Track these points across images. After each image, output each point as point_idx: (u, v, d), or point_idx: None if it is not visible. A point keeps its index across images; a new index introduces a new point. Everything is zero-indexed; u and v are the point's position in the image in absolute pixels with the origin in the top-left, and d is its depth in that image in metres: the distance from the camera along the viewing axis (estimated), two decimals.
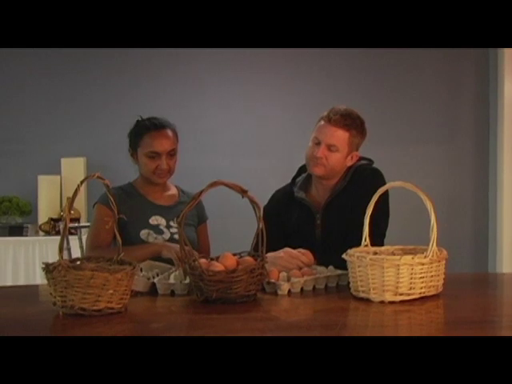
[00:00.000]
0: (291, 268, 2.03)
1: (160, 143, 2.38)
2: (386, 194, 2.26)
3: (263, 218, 2.40)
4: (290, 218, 2.39)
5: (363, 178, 2.29)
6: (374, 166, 2.40)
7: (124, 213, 2.25)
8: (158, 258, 2.21)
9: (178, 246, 2.06)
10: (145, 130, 2.40)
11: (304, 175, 2.44)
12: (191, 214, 2.42)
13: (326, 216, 2.33)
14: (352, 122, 2.28)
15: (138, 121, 2.46)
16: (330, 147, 2.27)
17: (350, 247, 1.91)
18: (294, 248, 2.14)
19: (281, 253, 2.08)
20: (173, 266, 2.12)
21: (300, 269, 2.05)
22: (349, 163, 2.33)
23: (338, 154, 2.28)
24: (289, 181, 2.49)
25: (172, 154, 2.41)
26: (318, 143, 2.29)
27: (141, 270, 2.02)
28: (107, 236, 2.28)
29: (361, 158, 2.41)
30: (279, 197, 2.47)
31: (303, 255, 2.10)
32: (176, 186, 2.57)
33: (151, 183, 2.45)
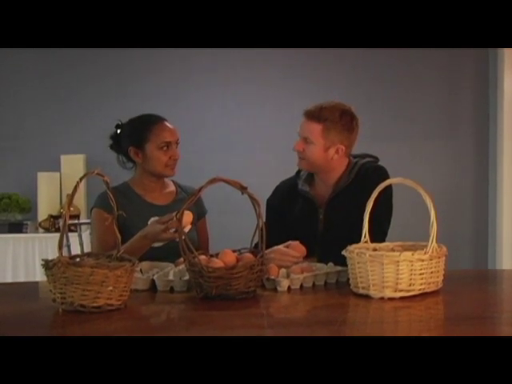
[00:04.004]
0: (285, 266, 2.02)
1: (170, 132, 2.39)
2: (389, 193, 2.26)
3: (266, 209, 2.42)
4: (293, 210, 2.39)
5: (368, 176, 2.28)
6: (380, 163, 2.39)
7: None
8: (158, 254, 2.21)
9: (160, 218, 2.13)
10: (151, 123, 2.39)
11: None
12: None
13: (329, 211, 2.33)
14: (328, 115, 2.26)
15: (133, 118, 2.45)
16: (305, 140, 2.29)
17: (352, 243, 1.91)
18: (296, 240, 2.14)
19: (271, 253, 2.05)
20: (172, 264, 2.11)
21: (297, 263, 2.05)
22: (334, 157, 2.29)
23: (312, 146, 2.28)
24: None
25: (177, 143, 2.42)
26: (299, 137, 2.32)
27: (140, 271, 2.02)
28: (111, 238, 2.25)
29: (366, 156, 2.41)
30: (283, 189, 2.47)
31: (293, 248, 2.10)
32: (173, 182, 2.55)
33: (152, 181, 2.43)
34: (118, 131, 2.47)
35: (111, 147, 2.49)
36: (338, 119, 2.27)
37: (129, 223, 2.24)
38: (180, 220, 1.86)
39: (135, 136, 2.40)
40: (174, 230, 2.08)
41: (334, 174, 2.34)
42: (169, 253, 2.18)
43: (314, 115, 2.27)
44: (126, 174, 2.49)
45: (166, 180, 2.51)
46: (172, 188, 2.52)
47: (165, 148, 2.37)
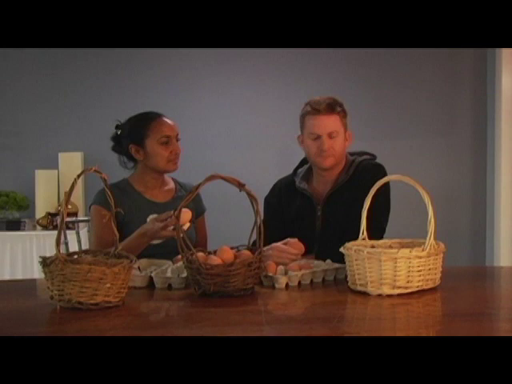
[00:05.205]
0: (283, 263, 2.02)
1: (169, 127, 2.40)
2: (387, 189, 2.26)
3: (264, 207, 2.42)
4: (291, 208, 2.40)
5: (365, 173, 2.29)
6: (377, 161, 2.40)
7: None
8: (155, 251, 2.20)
9: (157, 216, 2.14)
10: (149, 119, 2.40)
11: (306, 166, 2.45)
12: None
13: (326, 208, 2.33)
14: (337, 105, 2.31)
15: (132, 117, 2.44)
16: (331, 135, 2.29)
17: (349, 240, 1.91)
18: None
19: (269, 250, 2.06)
20: (170, 261, 2.11)
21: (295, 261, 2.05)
22: (348, 144, 2.36)
23: (339, 138, 2.30)
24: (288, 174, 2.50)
25: (178, 139, 2.42)
26: (317, 138, 2.29)
27: (139, 268, 2.01)
28: (109, 235, 2.24)
29: (364, 153, 2.42)
30: (281, 187, 2.48)
31: (292, 246, 2.10)
32: (173, 179, 2.55)
33: (153, 177, 2.42)
34: (119, 132, 2.46)
35: (113, 149, 2.48)
36: (343, 107, 2.33)
37: (127, 220, 2.24)
38: (178, 217, 1.86)
39: (134, 133, 2.40)
40: (172, 227, 2.08)
41: (333, 171, 2.35)
42: (167, 250, 2.18)
43: (329, 109, 2.29)
44: (123, 171, 2.49)
45: (166, 177, 2.51)
46: (171, 185, 2.52)
47: (165, 143, 2.37)
